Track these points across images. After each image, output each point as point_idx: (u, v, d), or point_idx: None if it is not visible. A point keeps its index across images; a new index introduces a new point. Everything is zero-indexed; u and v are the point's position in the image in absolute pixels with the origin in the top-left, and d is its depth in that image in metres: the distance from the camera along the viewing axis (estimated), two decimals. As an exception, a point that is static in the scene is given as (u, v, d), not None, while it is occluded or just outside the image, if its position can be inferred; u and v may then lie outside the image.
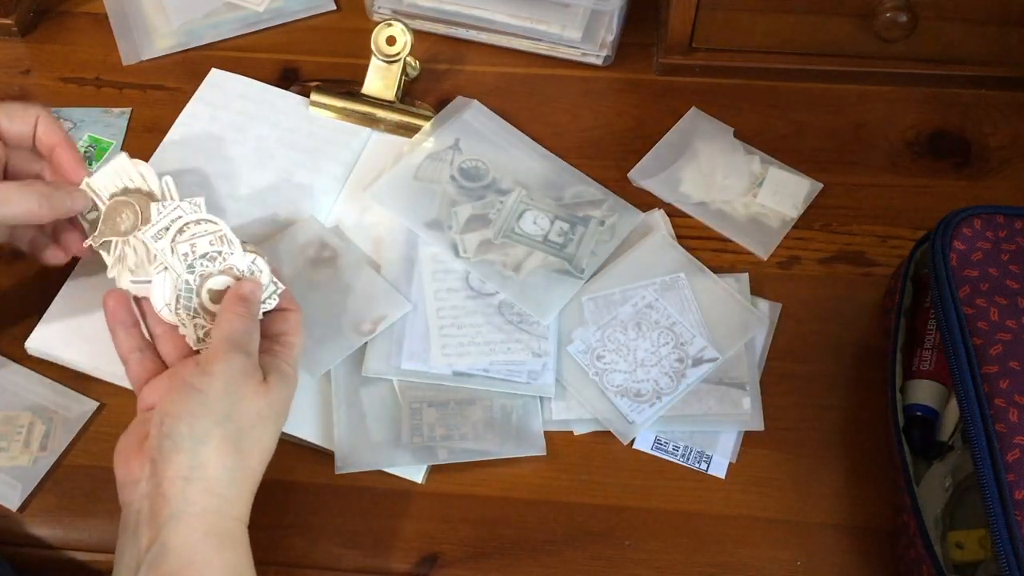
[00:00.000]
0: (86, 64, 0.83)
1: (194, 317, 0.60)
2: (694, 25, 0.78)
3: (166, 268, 0.60)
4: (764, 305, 0.70)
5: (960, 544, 0.56)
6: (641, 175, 0.76)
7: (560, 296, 0.69)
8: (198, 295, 0.60)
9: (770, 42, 0.79)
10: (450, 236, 0.71)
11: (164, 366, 0.60)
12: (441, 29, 0.84)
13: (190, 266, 0.60)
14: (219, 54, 0.83)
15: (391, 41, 0.77)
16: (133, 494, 0.53)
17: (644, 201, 0.75)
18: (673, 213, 0.74)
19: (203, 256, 0.60)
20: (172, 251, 0.60)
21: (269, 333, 0.60)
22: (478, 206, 0.73)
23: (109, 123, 0.79)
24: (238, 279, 0.60)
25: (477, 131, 0.78)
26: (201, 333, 0.60)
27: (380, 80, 0.78)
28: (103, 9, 0.86)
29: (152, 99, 0.81)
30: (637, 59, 0.83)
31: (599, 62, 0.82)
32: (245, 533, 0.54)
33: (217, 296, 0.60)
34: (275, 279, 0.61)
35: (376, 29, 0.77)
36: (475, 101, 0.79)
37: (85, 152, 0.77)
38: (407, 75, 0.79)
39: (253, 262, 0.61)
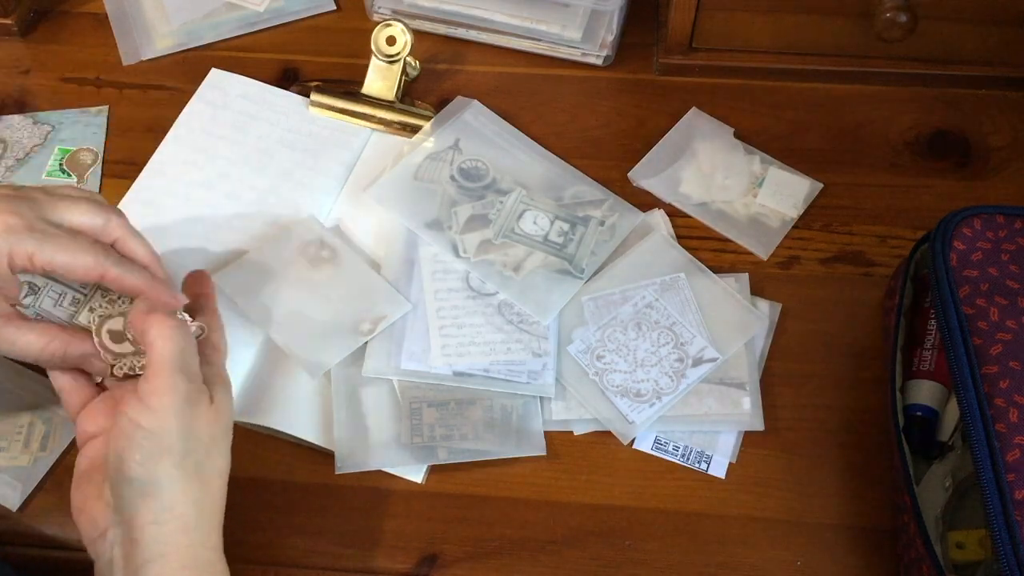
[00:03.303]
0: (86, 64, 0.83)
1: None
2: (694, 25, 0.78)
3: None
4: (764, 305, 0.70)
5: (960, 544, 0.56)
6: (641, 175, 0.76)
7: (560, 296, 0.69)
8: (98, 334, 0.57)
9: (770, 42, 0.79)
10: (450, 236, 0.71)
11: (97, 389, 0.58)
12: (441, 29, 0.84)
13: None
14: (219, 54, 0.84)
15: (391, 41, 0.77)
16: (102, 545, 0.52)
17: (644, 201, 0.75)
18: (673, 213, 0.74)
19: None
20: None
21: None
22: (478, 206, 0.73)
23: (88, 123, 0.79)
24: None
25: (477, 131, 0.78)
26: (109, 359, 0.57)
27: (380, 80, 0.78)
28: (103, 9, 0.86)
29: (152, 99, 0.81)
30: (637, 59, 0.83)
31: (599, 62, 0.82)
32: (222, 560, 0.53)
33: (118, 336, 0.57)
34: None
35: (376, 29, 0.77)
36: (475, 101, 0.79)
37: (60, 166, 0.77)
38: (407, 75, 0.79)
39: None
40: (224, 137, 0.77)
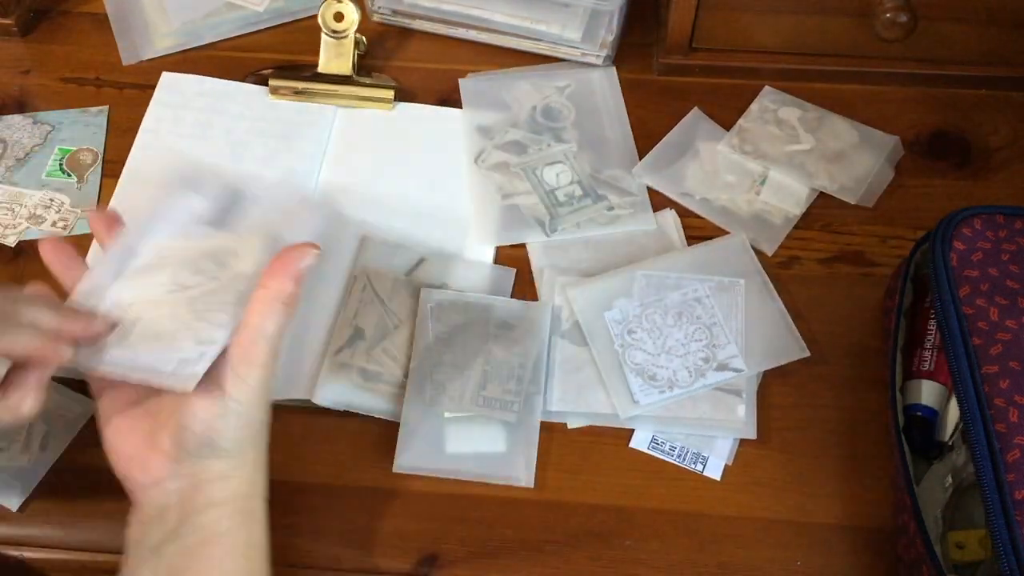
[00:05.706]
0: (86, 64, 0.83)
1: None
2: (694, 25, 0.77)
3: None
4: (764, 305, 0.70)
5: (960, 544, 0.56)
6: (644, 171, 0.76)
7: (516, 233, 0.72)
8: None
9: (771, 42, 0.79)
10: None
11: None
12: (441, 29, 0.84)
13: None
14: (219, 54, 0.83)
15: (339, 17, 0.78)
16: (156, 492, 0.52)
17: (652, 201, 0.74)
18: (677, 210, 0.74)
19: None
20: None
21: None
22: (528, 138, 0.76)
23: (88, 123, 0.79)
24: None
25: (603, 95, 0.80)
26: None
27: (335, 57, 0.79)
28: (103, 9, 0.86)
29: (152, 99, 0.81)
30: (637, 59, 0.83)
31: (599, 62, 0.82)
32: (264, 508, 0.55)
33: None
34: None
35: (323, 6, 0.78)
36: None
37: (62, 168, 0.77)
38: (358, 50, 0.80)
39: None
40: (192, 136, 0.77)
